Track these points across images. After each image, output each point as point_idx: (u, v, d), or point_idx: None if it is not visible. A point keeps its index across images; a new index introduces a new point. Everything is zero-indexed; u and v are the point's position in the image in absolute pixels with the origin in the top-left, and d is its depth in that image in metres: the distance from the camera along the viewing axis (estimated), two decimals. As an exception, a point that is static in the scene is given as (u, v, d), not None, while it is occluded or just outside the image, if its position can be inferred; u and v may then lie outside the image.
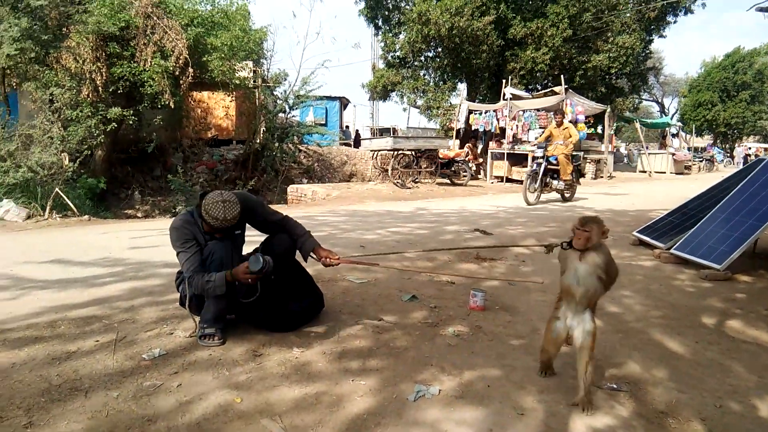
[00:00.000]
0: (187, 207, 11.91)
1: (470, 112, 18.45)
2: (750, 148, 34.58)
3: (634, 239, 6.25)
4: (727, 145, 43.19)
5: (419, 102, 21.92)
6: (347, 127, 29.89)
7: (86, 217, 9.58)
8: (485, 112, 17.96)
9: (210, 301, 2.88)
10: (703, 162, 27.91)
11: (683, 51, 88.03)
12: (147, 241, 6.14)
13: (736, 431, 2.22)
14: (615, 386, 2.55)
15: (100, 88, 11.42)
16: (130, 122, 12.11)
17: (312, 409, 2.27)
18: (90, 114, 11.47)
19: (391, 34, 21.96)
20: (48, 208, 9.29)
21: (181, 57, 11.80)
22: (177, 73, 12.00)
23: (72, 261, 5.00)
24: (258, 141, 15.61)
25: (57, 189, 9.44)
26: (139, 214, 12.52)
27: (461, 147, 18.10)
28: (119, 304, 3.58)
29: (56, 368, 2.58)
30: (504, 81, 18.12)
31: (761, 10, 5.51)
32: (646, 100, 47.87)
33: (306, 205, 11.97)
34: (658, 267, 5.15)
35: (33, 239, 6.81)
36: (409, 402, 2.35)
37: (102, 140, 11.86)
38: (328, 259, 3.09)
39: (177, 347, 2.87)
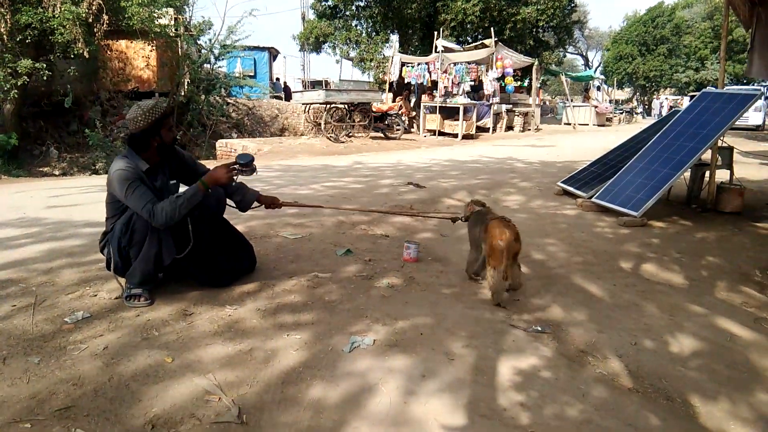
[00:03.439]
0: (108, 161, 11.29)
1: (403, 64, 18.30)
2: (666, 99, 36.29)
3: (559, 189, 6.50)
4: (645, 98, 45.25)
5: (352, 54, 21.52)
6: (277, 79, 28.92)
7: (-4, 175, 8.93)
8: (417, 65, 17.86)
9: (136, 263, 2.75)
10: (623, 114, 29.18)
11: (608, 4, 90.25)
12: (66, 200, 5.80)
13: (649, 365, 2.41)
14: (539, 329, 2.68)
15: (5, 37, 10.43)
16: (42, 74, 11.19)
17: (246, 365, 2.25)
18: (-5, 66, 10.52)
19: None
20: (-49, 167, 8.58)
21: (94, 2, 10.94)
22: (90, 20, 11.12)
23: (-19, 223, 4.66)
24: (183, 93, 14.86)
25: (-40, 146, 8.70)
26: (56, 172, 11.74)
27: (394, 100, 18.01)
28: (37, 266, 3.38)
29: (-32, 336, 2.43)
30: (435, 33, 18.01)
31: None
32: (571, 53, 49.27)
33: (236, 160, 11.62)
34: (580, 215, 5.40)
35: (-65, 201, 6.28)
36: (344, 353, 2.38)
37: (11, 94, 10.91)
38: (273, 205, 3.35)
39: (102, 309, 2.76)
